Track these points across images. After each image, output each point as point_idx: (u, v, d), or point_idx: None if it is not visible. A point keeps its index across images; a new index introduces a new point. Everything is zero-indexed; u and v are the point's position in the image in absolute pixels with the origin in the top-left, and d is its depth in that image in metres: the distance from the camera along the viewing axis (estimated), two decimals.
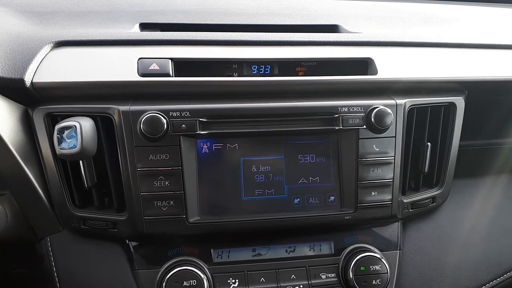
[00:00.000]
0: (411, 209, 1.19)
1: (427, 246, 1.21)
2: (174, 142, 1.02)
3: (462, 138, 1.23)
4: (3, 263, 1.25)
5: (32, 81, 0.99)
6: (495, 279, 1.21)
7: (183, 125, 1.02)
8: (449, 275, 1.19)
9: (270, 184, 1.09)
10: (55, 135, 0.97)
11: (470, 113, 1.23)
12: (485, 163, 1.40)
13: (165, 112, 1.01)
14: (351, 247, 1.14)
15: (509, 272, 1.23)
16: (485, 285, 1.20)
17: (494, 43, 1.29)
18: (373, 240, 1.17)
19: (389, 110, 1.08)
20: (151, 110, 1.00)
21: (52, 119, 1.03)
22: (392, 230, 1.19)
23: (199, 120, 1.03)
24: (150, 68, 1.06)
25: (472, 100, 1.24)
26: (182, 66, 1.09)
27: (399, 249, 1.18)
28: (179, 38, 1.14)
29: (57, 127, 0.97)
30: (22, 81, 0.98)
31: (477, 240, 1.24)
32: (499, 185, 1.36)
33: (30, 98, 1.02)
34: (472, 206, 1.31)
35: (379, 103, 1.09)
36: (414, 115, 1.16)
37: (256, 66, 1.14)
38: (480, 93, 1.25)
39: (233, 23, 1.35)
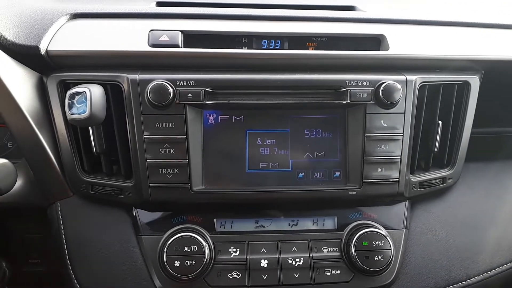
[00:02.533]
0: (420, 188, 1.16)
1: (435, 227, 1.18)
2: (180, 111, 1.03)
3: (478, 125, 1.20)
4: (17, 227, 1.30)
5: (47, 49, 1.04)
6: (506, 264, 1.17)
7: (189, 94, 1.03)
8: (457, 257, 1.15)
9: (275, 157, 1.09)
10: (66, 101, 1.01)
11: (489, 99, 1.20)
12: (500, 149, 1.37)
13: (172, 81, 1.03)
14: (355, 223, 1.13)
15: None
16: (494, 268, 1.16)
17: None
18: (378, 217, 1.15)
19: (398, 85, 1.06)
20: (159, 78, 1.02)
21: (65, 86, 1.07)
22: (399, 209, 1.17)
23: (205, 90, 1.04)
24: (160, 39, 1.08)
25: (489, 84, 1.20)
26: (192, 38, 1.11)
27: (405, 228, 1.16)
28: (190, 12, 1.17)
29: (68, 92, 1.02)
30: (37, 48, 1.03)
31: (488, 224, 1.19)
32: None
33: (45, 65, 1.07)
34: (485, 189, 1.26)
35: (388, 78, 1.08)
36: (425, 92, 1.13)
37: (266, 41, 1.15)
38: (497, 73, 1.21)
39: (249, 2, 1.36)
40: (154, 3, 1.34)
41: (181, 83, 1.03)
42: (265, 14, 1.18)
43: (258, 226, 1.13)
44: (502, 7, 1.50)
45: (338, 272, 1.09)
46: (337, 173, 1.11)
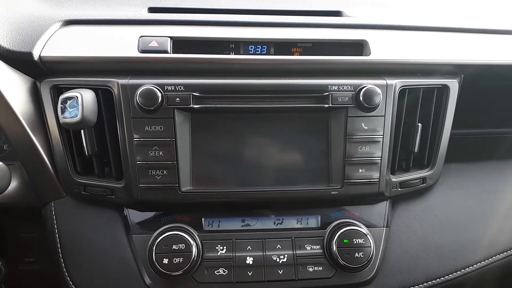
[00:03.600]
0: (400, 188, 1.21)
1: (415, 225, 1.22)
2: (169, 115, 1.07)
3: (458, 126, 1.24)
4: (13, 227, 1.34)
5: (40, 55, 1.08)
6: (483, 260, 1.21)
7: (177, 99, 1.07)
8: (436, 254, 1.19)
9: (260, 158, 1.13)
10: (59, 105, 1.05)
11: (467, 101, 1.25)
12: (479, 150, 1.41)
13: (161, 86, 1.07)
14: (337, 222, 1.17)
15: (499, 254, 1.23)
16: (472, 265, 1.20)
17: (492, 28, 1.29)
18: (360, 215, 1.19)
19: (378, 90, 1.10)
20: (148, 83, 1.06)
21: (58, 91, 1.10)
22: (380, 208, 1.21)
23: (192, 95, 1.08)
24: (149, 45, 1.12)
25: (468, 88, 1.25)
26: (181, 44, 1.15)
27: (386, 226, 1.20)
28: (179, 18, 1.20)
29: (61, 97, 1.06)
30: (30, 54, 1.07)
31: (467, 222, 1.23)
32: (492, 171, 1.36)
33: (38, 71, 1.11)
34: (464, 189, 1.30)
35: (369, 83, 1.12)
36: (406, 96, 1.17)
37: (253, 46, 1.19)
38: (475, 77, 1.25)
39: (238, 8, 1.40)
40: (146, 9, 1.37)
41: (169, 88, 1.07)
42: (252, 20, 1.21)
43: (244, 225, 1.17)
44: (482, 12, 1.55)
45: (320, 268, 1.13)
46: (320, 174, 1.15)
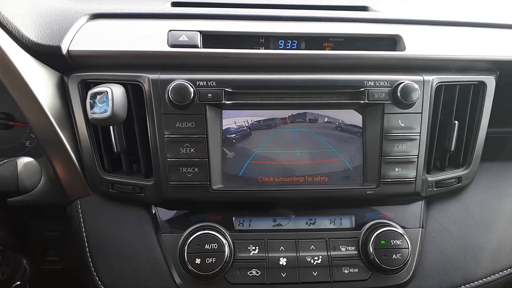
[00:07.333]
0: (436, 187, 1.17)
1: (451, 226, 1.19)
2: (200, 111, 1.05)
3: (494, 125, 1.21)
4: (38, 226, 1.31)
5: (68, 49, 1.06)
6: None
7: (209, 94, 1.04)
8: (473, 255, 1.16)
9: (293, 156, 1.10)
10: (88, 100, 1.03)
11: (503, 100, 1.21)
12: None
13: (192, 81, 1.04)
14: (372, 222, 1.14)
15: None
16: (510, 267, 1.17)
17: None
18: (395, 216, 1.16)
19: (415, 86, 1.07)
20: (179, 78, 1.04)
21: (86, 86, 1.08)
22: (415, 208, 1.18)
23: (224, 90, 1.05)
24: (179, 39, 1.10)
25: (503, 84, 1.21)
26: (210, 38, 1.12)
27: (422, 227, 1.16)
28: (208, 12, 1.18)
29: (90, 92, 1.03)
30: (59, 48, 1.05)
31: (504, 223, 1.20)
32: None
33: (66, 65, 1.08)
34: (499, 189, 1.27)
35: (406, 78, 1.09)
36: (442, 93, 1.14)
37: (283, 41, 1.16)
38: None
39: (264, 2, 1.37)
40: (169, 3, 1.35)
41: (201, 83, 1.04)
42: (281, 14, 1.19)
43: (276, 225, 1.14)
44: None
45: (356, 270, 1.10)
46: (355, 173, 1.11)
